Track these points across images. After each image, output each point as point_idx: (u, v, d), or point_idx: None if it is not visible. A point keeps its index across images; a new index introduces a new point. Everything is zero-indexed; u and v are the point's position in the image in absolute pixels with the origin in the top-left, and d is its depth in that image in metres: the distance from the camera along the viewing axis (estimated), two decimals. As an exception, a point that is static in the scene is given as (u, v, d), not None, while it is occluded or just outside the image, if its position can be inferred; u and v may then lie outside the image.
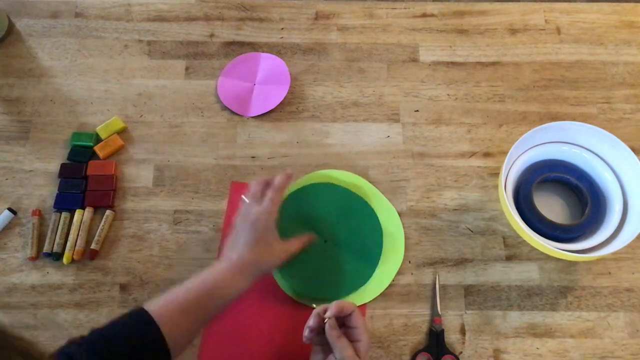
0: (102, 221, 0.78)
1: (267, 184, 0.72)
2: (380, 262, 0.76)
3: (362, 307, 0.74)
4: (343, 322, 0.60)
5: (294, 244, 0.71)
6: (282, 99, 0.86)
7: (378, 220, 0.78)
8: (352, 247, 0.77)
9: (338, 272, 0.75)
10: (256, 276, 0.65)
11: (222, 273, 0.62)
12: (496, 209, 0.81)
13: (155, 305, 0.59)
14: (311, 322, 0.59)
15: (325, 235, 0.77)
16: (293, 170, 0.82)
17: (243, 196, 0.71)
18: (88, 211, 0.79)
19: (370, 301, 0.75)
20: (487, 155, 0.84)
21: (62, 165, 0.82)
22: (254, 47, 0.91)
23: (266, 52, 0.91)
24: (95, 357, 0.53)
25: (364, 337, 0.58)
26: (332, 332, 0.58)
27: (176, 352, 0.58)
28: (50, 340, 0.73)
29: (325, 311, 0.59)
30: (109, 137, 0.84)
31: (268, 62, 0.89)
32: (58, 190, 0.80)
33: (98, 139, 0.84)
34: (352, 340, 0.58)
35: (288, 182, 0.72)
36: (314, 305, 0.70)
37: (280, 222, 0.73)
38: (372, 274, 0.75)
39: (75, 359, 0.52)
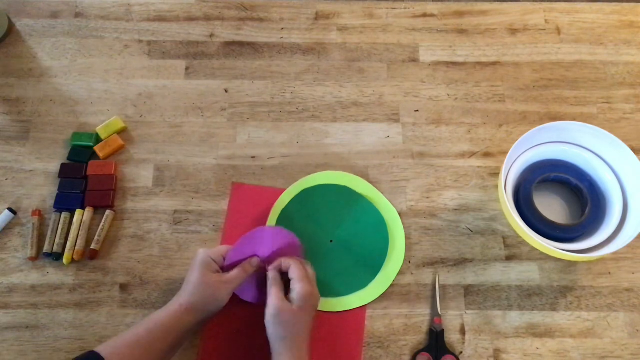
0: (102, 221, 0.78)
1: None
2: (384, 265, 0.76)
3: (362, 307, 0.74)
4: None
5: (236, 275, 0.68)
6: None
7: (385, 224, 0.78)
8: (358, 248, 0.77)
9: (342, 272, 0.75)
10: (204, 317, 0.66)
11: (172, 315, 0.64)
12: (496, 209, 0.81)
13: (107, 347, 0.60)
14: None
15: (331, 235, 0.77)
16: (293, 171, 0.82)
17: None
18: (88, 211, 0.79)
19: (371, 301, 0.75)
20: (487, 155, 0.84)
21: (62, 165, 0.82)
22: (254, 47, 0.91)
23: (266, 52, 0.91)
24: None
25: (297, 287, 0.65)
26: (268, 282, 0.67)
27: None
28: (51, 340, 0.73)
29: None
30: (109, 137, 0.84)
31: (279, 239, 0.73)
32: (58, 190, 0.80)
33: (98, 139, 0.84)
34: (291, 289, 0.66)
35: (251, 270, 0.69)
36: None
37: (289, 222, 0.76)
38: (375, 276, 0.75)
39: None
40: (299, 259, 0.69)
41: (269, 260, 0.71)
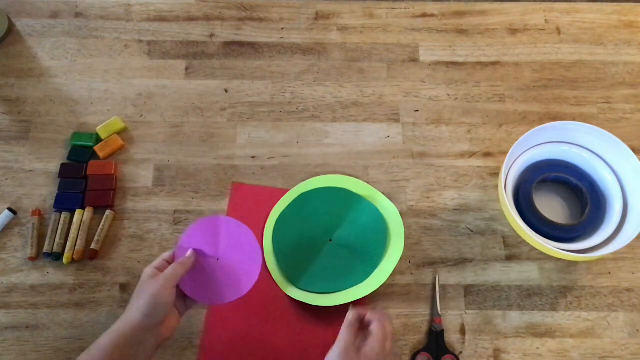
0: (102, 221, 0.78)
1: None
2: (383, 259, 0.76)
3: (363, 303, 0.74)
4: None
5: (173, 270, 0.63)
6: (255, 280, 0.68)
7: (383, 220, 0.78)
8: (357, 245, 0.77)
9: (341, 268, 0.75)
10: (153, 322, 0.61)
11: (115, 333, 0.60)
12: (496, 209, 0.81)
13: None
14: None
15: (330, 235, 0.77)
16: (293, 171, 0.82)
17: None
18: (88, 211, 0.79)
19: (371, 301, 0.75)
20: (487, 155, 0.84)
21: (62, 165, 0.82)
22: (254, 47, 0.91)
23: (266, 52, 0.91)
24: None
25: (371, 342, 0.61)
26: (345, 322, 0.63)
27: None
28: (51, 340, 0.73)
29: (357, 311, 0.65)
30: (109, 137, 0.84)
31: (231, 230, 0.69)
32: (58, 190, 0.80)
33: (98, 139, 0.84)
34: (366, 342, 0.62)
35: (190, 262, 0.66)
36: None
37: (288, 223, 0.77)
38: (374, 269, 0.75)
39: None
40: (385, 318, 0.64)
41: (214, 255, 0.67)
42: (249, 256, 0.68)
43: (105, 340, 0.59)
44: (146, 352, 0.61)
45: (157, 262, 0.66)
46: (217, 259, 0.68)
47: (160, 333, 0.62)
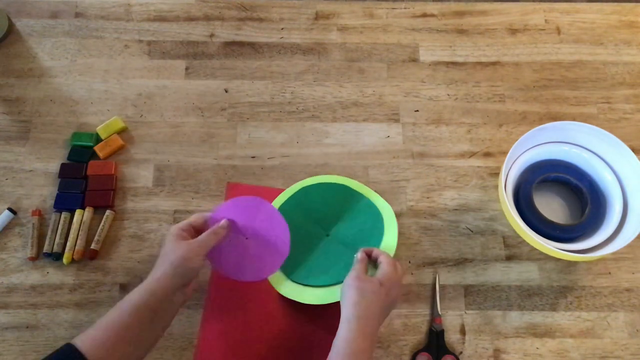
0: (102, 221, 0.78)
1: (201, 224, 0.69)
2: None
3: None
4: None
5: (206, 238, 0.66)
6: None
7: (381, 218, 0.78)
8: (354, 242, 0.77)
9: (337, 264, 0.75)
10: (181, 284, 0.63)
11: (145, 291, 0.62)
12: (496, 209, 0.81)
13: (85, 337, 0.57)
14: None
15: (327, 230, 0.78)
16: (293, 171, 0.82)
17: None
18: (88, 211, 0.79)
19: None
20: (487, 155, 0.84)
21: (62, 165, 0.82)
22: (254, 47, 0.91)
23: (266, 52, 0.91)
24: None
25: (383, 267, 0.65)
26: (355, 260, 0.68)
27: None
28: (51, 340, 0.73)
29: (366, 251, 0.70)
30: (109, 137, 0.84)
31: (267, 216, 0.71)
32: (58, 190, 0.80)
33: (98, 139, 0.84)
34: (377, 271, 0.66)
35: (223, 233, 0.68)
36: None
37: (286, 217, 0.76)
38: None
39: None
40: (385, 254, 0.69)
41: (244, 233, 0.70)
42: (276, 245, 0.71)
43: (136, 296, 0.61)
44: (174, 308, 0.64)
45: (184, 223, 0.67)
46: (246, 238, 0.70)
47: (186, 291, 0.65)
